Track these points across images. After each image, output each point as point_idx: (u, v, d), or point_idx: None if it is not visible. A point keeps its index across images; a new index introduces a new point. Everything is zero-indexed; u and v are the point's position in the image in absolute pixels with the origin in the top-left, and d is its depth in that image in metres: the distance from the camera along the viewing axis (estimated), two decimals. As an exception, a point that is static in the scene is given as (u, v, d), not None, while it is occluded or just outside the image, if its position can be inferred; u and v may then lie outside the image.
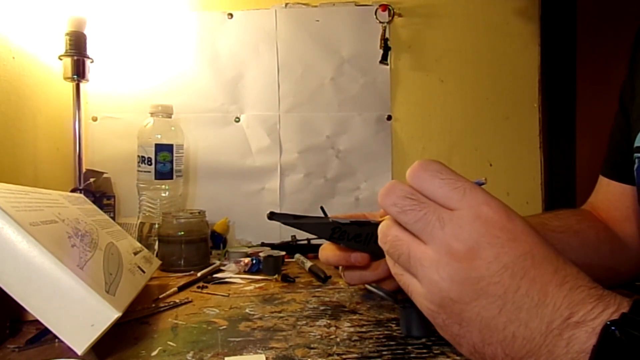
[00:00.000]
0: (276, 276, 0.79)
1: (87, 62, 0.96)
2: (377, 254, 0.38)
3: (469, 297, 0.30)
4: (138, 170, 0.97)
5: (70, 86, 0.96)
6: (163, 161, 0.96)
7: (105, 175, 1.04)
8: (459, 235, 0.31)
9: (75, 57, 0.94)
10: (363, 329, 0.54)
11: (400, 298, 0.57)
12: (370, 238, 0.45)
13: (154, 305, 0.63)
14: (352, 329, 0.54)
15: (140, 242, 0.82)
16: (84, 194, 0.87)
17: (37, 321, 0.43)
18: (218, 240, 1.01)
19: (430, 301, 0.32)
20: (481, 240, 0.30)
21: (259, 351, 0.47)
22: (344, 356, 0.46)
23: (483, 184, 0.35)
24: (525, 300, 0.29)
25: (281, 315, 0.59)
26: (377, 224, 0.38)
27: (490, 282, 0.30)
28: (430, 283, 0.31)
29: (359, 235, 0.48)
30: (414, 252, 0.32)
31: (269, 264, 0.82)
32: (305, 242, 0.98)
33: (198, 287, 0.73)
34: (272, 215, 0.55)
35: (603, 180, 0.67)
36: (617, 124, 0.64)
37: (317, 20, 1.13)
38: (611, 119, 0.66)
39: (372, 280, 0.57)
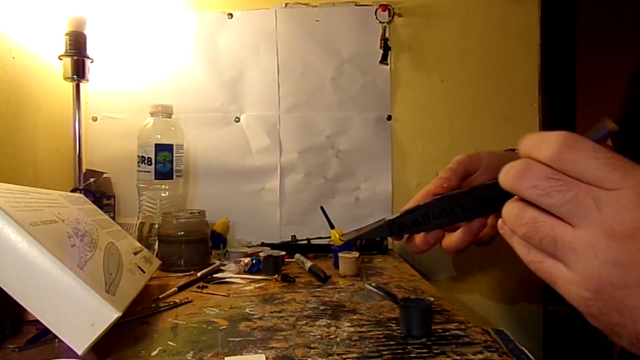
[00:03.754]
0: (276, 276, 0.79)
1: (87, 62, 0.96)
2: (440, 226, 0.44)
3: (634, 282, 0.28)
4: (138, 170, 0.97)
5: (70, 86, 0.96)
6: (163, 161, 0.96)
7: (105, 175, 1.04)
8: (621, 215, 0.28)
9: (75, 57, 0.94)
10: (363, 329, 0.54)
11: (400, 298, 0.57)
12: (427, 217, 0.47)
13: (154, 305, 0.63)
14: (352, 329, 0.54)
15: (140, 242, 0.82)
16: (84, 194, 0.87)
17: (37, 321, 0.43)
18: (218, 240, 1.01)
19: (585, 288, 0.29)
20: None
21: (259, 351, 0.47)
22: (344, 356, 0.46)
23: (610, 130, 0.32)
24: None
25: (281, 315, 0.59)
26: (426, 204, 0.42)
27: None
28: (586, 268, 0.29)
29: (415, 220, 0.49)
30: (562, 235, 0.30)
31: (269, 264, 0.82)
32: (305, 242, 0.98)
33: (198, 287, 0.73)
34: (342, 237, 0.57)
35: None
36: (624, 115, 0.62)
37: (317, 20, 1.13)
38: (611, 119, 0.65)
39: (469, 240, 0.53)
